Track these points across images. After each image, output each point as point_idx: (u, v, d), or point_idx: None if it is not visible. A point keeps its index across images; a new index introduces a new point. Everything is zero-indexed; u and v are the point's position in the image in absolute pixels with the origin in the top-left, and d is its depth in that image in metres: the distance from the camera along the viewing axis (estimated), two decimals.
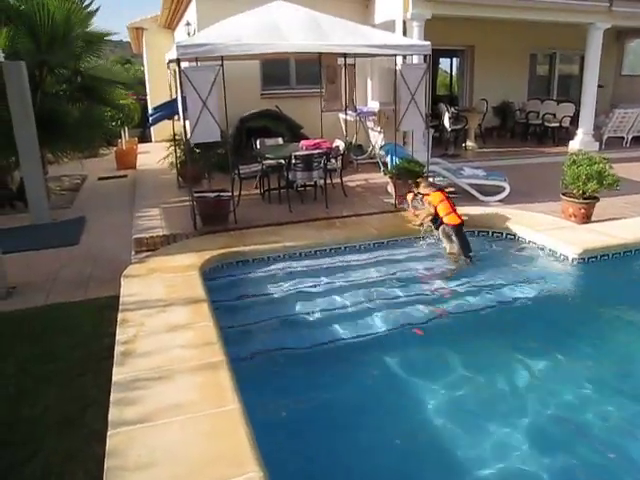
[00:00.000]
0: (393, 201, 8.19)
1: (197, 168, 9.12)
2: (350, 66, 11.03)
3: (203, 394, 3.49)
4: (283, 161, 8.25)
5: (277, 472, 2.88)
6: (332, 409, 3.91)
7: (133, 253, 6.65)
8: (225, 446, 3.00)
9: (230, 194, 7.64)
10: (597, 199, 7.29)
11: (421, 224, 7.07)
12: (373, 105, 12.27)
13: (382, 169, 10.26)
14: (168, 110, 10.72)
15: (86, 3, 9.65)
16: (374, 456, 3.44)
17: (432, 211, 6.87)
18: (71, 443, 3.47)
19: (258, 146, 9.38)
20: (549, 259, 6.46)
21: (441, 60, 17.46)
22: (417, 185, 7.32)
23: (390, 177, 8.51)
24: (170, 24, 16.73)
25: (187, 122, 7.02)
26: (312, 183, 8.80)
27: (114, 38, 11.54)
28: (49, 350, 4.64)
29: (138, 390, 3.54)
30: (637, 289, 5.86)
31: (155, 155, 13.28)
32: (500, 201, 8.58)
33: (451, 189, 9.02)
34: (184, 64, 7.19)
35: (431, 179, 8.62)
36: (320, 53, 9.86)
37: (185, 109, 7.05)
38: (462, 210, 6.95)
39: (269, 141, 9.71)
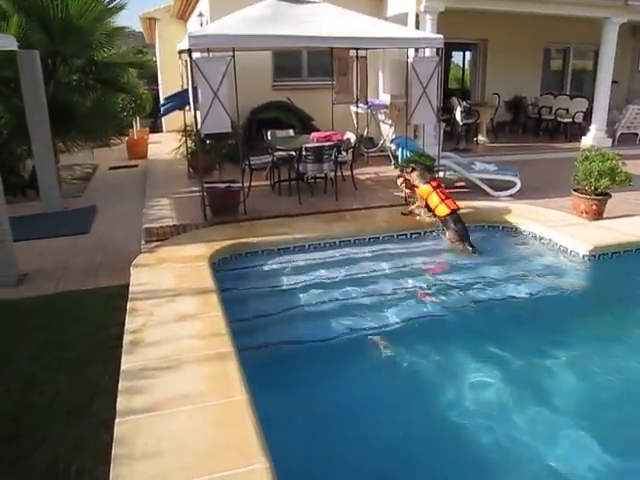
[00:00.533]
0: (403, 194, 8.17)
1: (208, 159, 9.14)
2: (362, 58, 10.98)
3: (211, 384, 3.51)
4: (294, 153, 8.24)
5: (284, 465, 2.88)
6: (341, 403, 3.91)
7: (143, 243, 6.67)
8: (232, 437, 3.01)
9: (240, 185, 7.64)
10: (609, 196, 7.24)
11: (411, 212, 7.25)
12: (384, 98, 12.21)
13: (393, 162, 10.25)
14: (179, 100, 10.75)
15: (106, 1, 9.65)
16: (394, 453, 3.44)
17: (423, 203, 7.00)
18: (80, 430, 3.50)
19: (269, 137, 9.38)
20: (560, 255, 6.42)
21: (454, 53, 17.32)
22: (409, 171, 7.34)
23: (400, 170, 8.48)
24: (183, 15, 16.71)
25: (198, 112, 7.02)
26: (322, 175, 8.79)
27: (128, 28, 11.55)
28: (59, 338, 4.68)
29: (146, 379, 3.56)
30: None
31: (166, 145, 13.32)
32: (511, 196, 8.54)
33: (461, 183, 9.02)
34: (196, 54, 7.19)
35: (442, 173, 8.62)
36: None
37: (196, 100, 7.04)
38: (472, 204, 6.93)
39: (280, 133, 9.69)
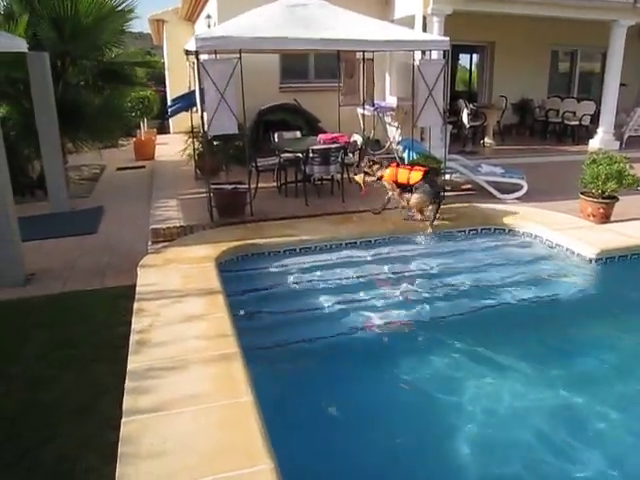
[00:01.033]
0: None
1: (215, 160, 9.16)
2: (368, 60, 10.99)
3: (216, 385, 3.52)
4: (301, 155, 8.26)
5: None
6: (350, 405, 3.92)
7: (150, 243, 6.70)
8: (237, 438, 3.02)
9: (247, 186, 7.67)
10: (616, 199, 7.21)
11: (384, 208, 7.43)
12: (391, 100, 12.22)
13: None
14: (187, 102, 10.79)
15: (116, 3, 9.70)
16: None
17: (395, 187, 7.18)
18: (86, 429, 3.52)
19: (276, 139, 9.40)
20: (566, 259, 6.40)
21: (460, 56, 17.31)
22: (370, 165, 7.48)
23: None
24: (191, 17, 16.79)
25: (205, 114, 7.05)
26: (329, 177, 8.80)
27: (135, 30, 11.61)
28: (65, 337, 4.70)
29: (152, 379, 3.58)
30: None
31: (173, 146, 13.37)
32: (517, 199, 8.52)
33: (468, 186, 9.01)
34: (203, 56, 7.21)
35: (448, 176, 8.62)
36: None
37: (203, 101, 7.07)
38: (479, 207, 6.94)
39: (287, 134, 9.72)
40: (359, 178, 7.57)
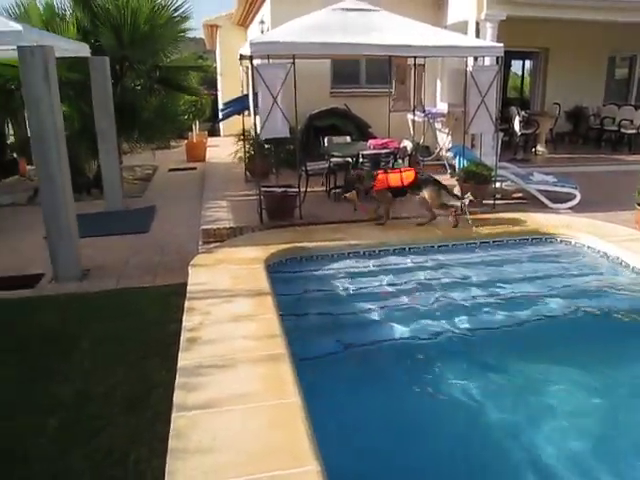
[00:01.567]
0: (459, 204, 8.09)
1: (265, 163, 9.28)
2: (420, 66, 10.95)
3: (264, 385, 3.56)
4: (350, 159, 8.28)
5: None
6: (391, 411, 3.91)
7: (200, 243, 6.83)
8: (284, 439, 3.04)
9: (297, 190, 7.74)
10: None
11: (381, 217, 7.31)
12: (442, 106, 12.13)
13: (449, 171, 10.16)
14: (238, 106, 10.99)
15: (173, 8, 9.98)
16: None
17: (389, 195, 7.12)
18: (137, 421, 3.61)
19: (326, 143, 9.45)
20: (621, 271, 6.23)
21: (513, 62, 17.04)
22: (361, 181, 7.24)
23: (457, 180, 8.41)
24: (244, 22, 17.03)
25: (257, 118, 7.15)
26: None
27: (190, 35, 11.89)
28: (118, 332, 4.84)
29: (202, 376, 3.65)
30: None
31: (224, 149, 13.59)
32: (570, 209, 8.34)
33: (519, 194, 8.87)
34: (256, 61, 7.33)
35: (499, 184, 8.51)
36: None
37: (256, 105, 7.17)
38: (530, 216, 6.83)
39: (337, 139, 9.77)
40: (351, 195, 7.39)
